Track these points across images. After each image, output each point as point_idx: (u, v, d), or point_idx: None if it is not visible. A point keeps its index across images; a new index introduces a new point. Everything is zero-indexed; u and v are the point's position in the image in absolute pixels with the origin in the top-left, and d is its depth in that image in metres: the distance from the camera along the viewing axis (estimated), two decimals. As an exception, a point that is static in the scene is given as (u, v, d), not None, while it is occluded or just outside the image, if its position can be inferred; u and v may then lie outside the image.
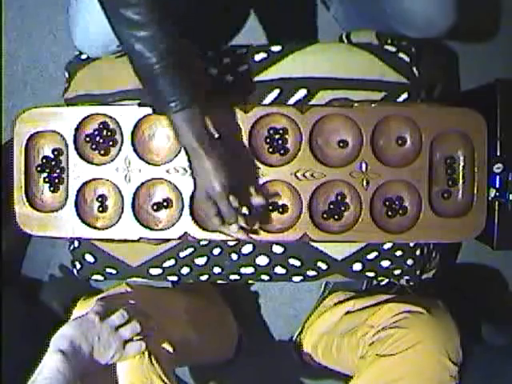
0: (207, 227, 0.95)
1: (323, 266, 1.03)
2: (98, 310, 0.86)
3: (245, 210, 0.88)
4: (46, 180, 1.00)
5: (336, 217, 0.98)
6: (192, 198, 0.96)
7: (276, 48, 1.01)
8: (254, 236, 0.96)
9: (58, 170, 0.99)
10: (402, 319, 0.94)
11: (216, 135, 0.86)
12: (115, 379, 0.88)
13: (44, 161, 1.00)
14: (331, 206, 0.98)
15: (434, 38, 0.98)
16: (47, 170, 1.00)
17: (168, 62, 0.78)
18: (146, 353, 0.88)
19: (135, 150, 0.97)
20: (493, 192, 1.08)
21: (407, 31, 0.99)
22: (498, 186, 1.08)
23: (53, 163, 1.00)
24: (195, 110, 0.81)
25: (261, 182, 0.96)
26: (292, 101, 1.00)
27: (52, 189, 1.00)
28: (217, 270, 1.04)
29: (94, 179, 0.98)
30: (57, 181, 1.00)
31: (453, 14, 0.95)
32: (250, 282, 1.18)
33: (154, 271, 1.04)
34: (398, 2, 0.95)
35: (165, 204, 0.99)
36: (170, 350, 0.94)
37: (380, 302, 1.03)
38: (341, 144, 0.98)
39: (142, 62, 0.79)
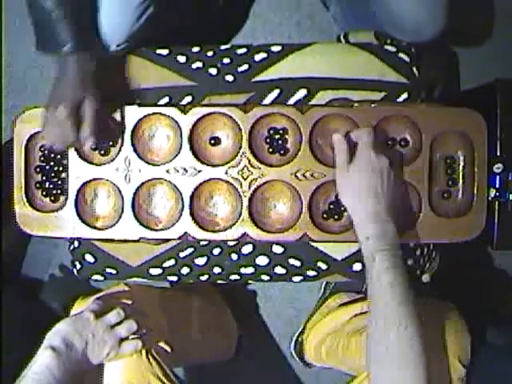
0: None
1: (323, 266, 1.03)
2: (93, 309, 0.86)
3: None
4: (46, 180, 1.00)
5: (336, 217, 0.98)
6: (192, 197, 0.97)
7: (276, 48, 1.01)
8: (253, 235, 0.96)
9: (57, 170, 1.00)
10: None
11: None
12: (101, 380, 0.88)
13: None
14: (331, 206, 0.98)
15: (425, 42, 0.97)
16: (47, 170, 1.00)
17: (64, 11, 0.82)
18: (144, 352, 0.88)
19: (135, 150, 0.97)
20: (493, 192, 1.08)
21: (397, 35, 0.99)
22: (497, 185, 1.08)
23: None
24: (87, 55, 0.85)
25: (261, 181, 0.97)
26: (292, 101, 1.00)
27: (52, 189, 1.00)
28: (217, 270, 1.04)
29: (94, 179, 0.98)
30: (57, 181, 1.00)
31: (442, 18, 0.94)
32: (250, 281, 1.18)
33: (154, 271, 1.04)
34: (384, 4, 0.94)
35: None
36: (168, 349, 0.94)
37: None
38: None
39: (38, 7, 0.82)
